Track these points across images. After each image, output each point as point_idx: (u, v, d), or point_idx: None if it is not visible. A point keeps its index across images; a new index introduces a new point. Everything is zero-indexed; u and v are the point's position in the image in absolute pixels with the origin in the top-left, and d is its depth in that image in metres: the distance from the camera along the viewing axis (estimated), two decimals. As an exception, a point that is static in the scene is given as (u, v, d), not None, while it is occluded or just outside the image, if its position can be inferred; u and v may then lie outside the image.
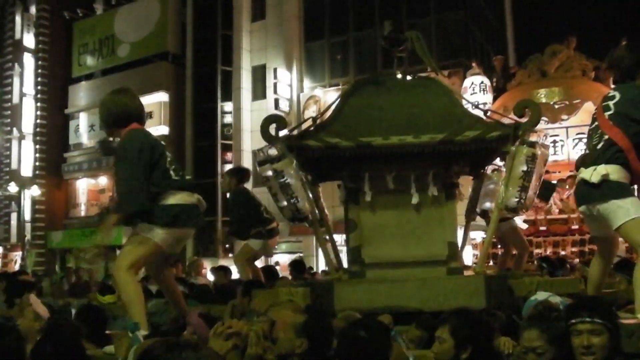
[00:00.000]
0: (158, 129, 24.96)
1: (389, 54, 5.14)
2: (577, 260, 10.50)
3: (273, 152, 4.35)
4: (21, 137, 28.63)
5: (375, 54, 22.75)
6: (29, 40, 29.28)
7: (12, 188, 26.31)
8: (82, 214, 28.49)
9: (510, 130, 4.31)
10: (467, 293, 4.10)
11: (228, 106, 24.99)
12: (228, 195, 7.35)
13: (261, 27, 25.05)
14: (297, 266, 8.24)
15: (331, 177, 5.08)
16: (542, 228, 11.81)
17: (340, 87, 23.17)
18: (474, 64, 14.60)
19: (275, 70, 23.65)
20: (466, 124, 4.42)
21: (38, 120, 28.63)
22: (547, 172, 12.69)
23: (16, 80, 29.39)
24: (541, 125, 12.22)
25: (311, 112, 23.00)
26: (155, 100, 25.99)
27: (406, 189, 4.49)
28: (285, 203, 4.40)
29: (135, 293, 3.89)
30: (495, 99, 13.44)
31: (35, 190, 27.11)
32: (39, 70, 28.86)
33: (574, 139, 12.01)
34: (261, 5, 25.29)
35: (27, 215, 27.67)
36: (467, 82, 13.96)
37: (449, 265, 4.49)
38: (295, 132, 4.79)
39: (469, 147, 4.31)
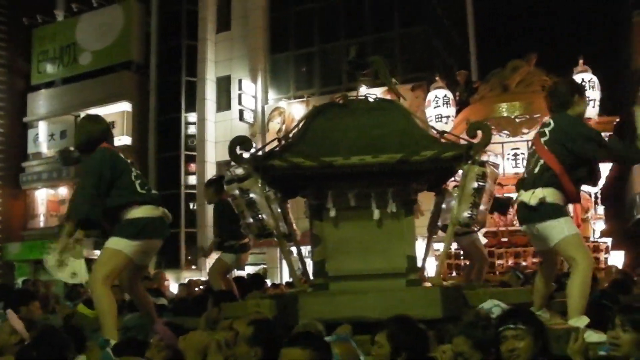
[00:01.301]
0: (121, 139, 24.65)
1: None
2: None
3: (240, 171, 4.62)
4: (-23, 146, 27.98)
5: (340, 69, 22.94)
6: (-14, 46, 28.66)
7: (-32, 198, 25.64)
8: (41, 225, 27.81)
9: (463, 150, 4.62)
10: (424, 304, 4.33)
11: (192, 117, 24.83)
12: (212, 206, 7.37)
13: (226, 38, 25.01)
14: (257, 281, 8.35)
15: (298, 194, 5.35)
16: (504, 239, 12.00)
17: (305, 99, 23.26)
18: (437, 78, 14.78)
19: (240, 81, 23.60)
20: (423, 144, 4.73)
21: (-4, 129, 27.99)
22: (500, 185, 12.96)
23: (-27, 88, 28.71)
24: (503, 138, 12.51)
25: (276, 123, 23.02)
26: (118, 110, 25.70)
27: (367, 205, 4.77)
28: (251, 220, 4.69)
29: (109, 305, 4.18)
30: (458, 112, 13.62)
31: (-8, 200, 26.45)
32: (-4, 78, 28.22)
33: (534, 153, 12.24)
34: (226, 16, 25.27)
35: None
36: (431, 95, 14.11)
37: (408, 277, 4.74)
38: (261, 152, 5.09)
39: (425, 166, 4.61)
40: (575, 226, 4.15)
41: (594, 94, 12.33)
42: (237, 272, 11.15)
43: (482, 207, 4.59)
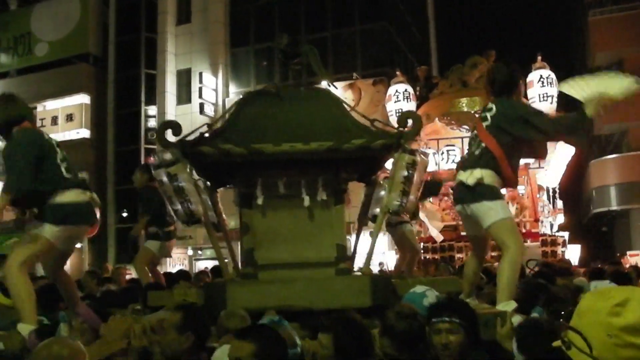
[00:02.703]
0: (79, 131, 24.24)
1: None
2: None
3: (168, 156, 4.51)
4: None
5: (301, 61, 22.92)
6: (-63, 36, 27.83)
7: None
8: (-5, 219, 27.21)
9: (393, 139, 4.61)
10: (353, 293, 4.32)
11: (152, 110, 24.54)
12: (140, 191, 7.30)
13: (186, 31, 24.77)
14: (183, 274, 8.17)
15: (228, 182, 5.27)
16: (463, 233, 12.17)
17: (266, 93, 23.18)
18: (398, 73, 14.90)
19: (200, 74, 23.42)
20: (354, 133, 4.70)
21: (-53, 121, 27.16)
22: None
23: None
24: (463, 133, 12.69)
25: (237, 117, 22.90)
26: (75, 102, 25.24)
27: (297, 194, 4.71)
28: (179, 206, 4.57)
29: (26, 291, 4.05)
30: (418, 106, 13.75)
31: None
32: (-53, 68, 27.46)
33: (493, 147, 12.45)
34: (186, 9, 25.03)
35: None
36: (392, 90, 14.22)
37: (337, 267, 4.71)
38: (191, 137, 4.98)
39: (355, 154, 4.58)
40: (509, 211, 4.17)
41: (551, 90, 12.60)
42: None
43: (411, 196, 4.58)
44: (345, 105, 5.17)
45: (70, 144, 21.29)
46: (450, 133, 13.03)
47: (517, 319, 3.40)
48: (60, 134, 23.23)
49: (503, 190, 4.43)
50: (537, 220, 12.53)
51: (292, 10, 23.32)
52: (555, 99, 12.76)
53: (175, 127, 4.71)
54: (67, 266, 5.02)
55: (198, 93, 23.26)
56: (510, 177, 4.17)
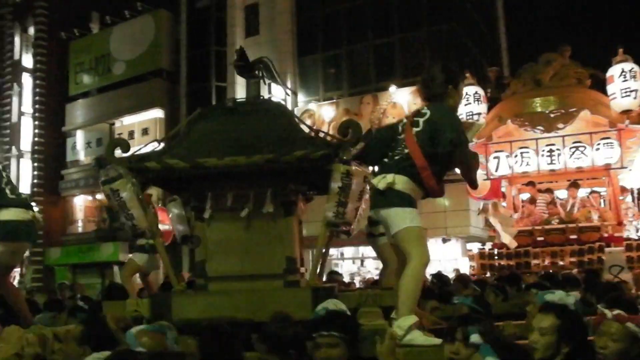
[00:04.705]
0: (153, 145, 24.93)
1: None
2: (575, 270, 10.43)
3: (112, 173, 4.74)
4: (19, 155, 28.69)
5: (368, 70, 22.84)
6: (27, 60, 29.40)
7: (10, 207, 26.22)
8: (80, 230, 28.42)
9: (332, 150, 4.62)
10: (295, 305, 4.35)
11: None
12: None
13: (255, 43, 25.08)
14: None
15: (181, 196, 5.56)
16: (539, 238, 11.75)
17: (334, 100, 23.24)
18: (467, 75, 14.55)
19: (269, 85, 23.62)
20: (298, 144, 4.76)
21: (36, 139, 28.67)
22: (532, 184, 12.52)
23: (15, 100, 29.47)
24: (537, 134, 12.26)
25: (307, 126, 22.99)
26: (150, 117, 26.05)
27: (246, 206, 4.83)
28: (124, 220, 4.80)
29: None
30: (489, 108, 13.38)
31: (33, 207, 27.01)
32: (37, 90, 28.94)
33: (570, 148, 11.92)
34: (254, 21, 25.37)
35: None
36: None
37: (286, 279, 4.80)
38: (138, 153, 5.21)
39: (295, 165, 4.63)
40: (419, 220, 3.91)
41: (635, 84, 11.83)
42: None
43: (350, 206, 4.53)
44: (295, 117, 5.27)
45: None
46: (524, 135, 12.59)
47: (417, 337, 3.40)
48: (136, 148, 23.93)
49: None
50: (620, 223, 11.91)
51: (358, 17, 23.25)
52: (639, 94, 12.02)
53: (124, 145, 4.99)
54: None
55: None
56: (434, 187, 3.96)
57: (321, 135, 5.28)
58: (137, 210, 4.72)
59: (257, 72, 5.45)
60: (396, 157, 4.00)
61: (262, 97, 5.67)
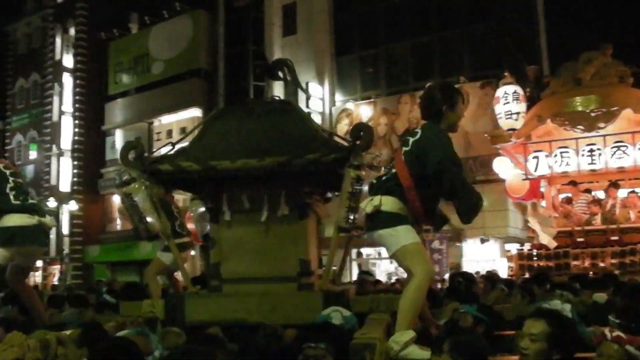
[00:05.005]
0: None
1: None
2: (617, 272, 10.23)
3: (125, 176, 4.81)
4: (60, 154, 29.38)
5: (406, 69, 22.73)
6: (68, 60, 30.09)
7: (51, 203, 26.88)
8: (118, 228, 28.89)
9: (344, 153, 4.58)
10: (307, 308, 4.34)
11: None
12: None
13: (292, 42, 25.18)
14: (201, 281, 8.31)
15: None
16: (580, 240, 11.56)
17: (372, 100, 23.20)
18: (506, 74, 14.39)
19: (307, 84, 23.71)
20: (312, 147, 4.73)
21: (76, 137, 29.32)
22: (574, 183, 12.22)
23: (56, 99, 30.22)
24: (577, 133, 12.07)
25: (344, 125, 23.04)
26: (188, 116, 26.35)
27: (261, 208, 4.81)
28: (137, 222, 4.84)
29: None
30: (529, 108, 13.22)
31: (73, 205, 27.68)
32: (77, 89, 29.62)
33: (612, 147, 11.69)
34: (292, 20, 25.44)
35: (66, 230, 28.23)
36: (500, 91, 13.72)
37: (299, 282, 4.76)
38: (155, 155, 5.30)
39: (307, 168, 4.61)
40: (416, 235, 3.78)
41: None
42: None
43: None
44: (310, 119, 5.25)
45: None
46: (564, 134, 12.39)
47: (413, 351, 3.31)
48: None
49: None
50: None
51: (396, 15, 23.15)
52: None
53: (138, 147, 5.01)
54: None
55: (305, 103, 23.56)
56: (417, 211, 3.81)
57: (335, 138, 5.27)
58: (151, 212, 4.78)
59: (279, 73, 5.42)
60: (384, 177, 3.94)
61: (277, 98, 5.70)
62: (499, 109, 13.57)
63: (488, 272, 10.58)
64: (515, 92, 13.33)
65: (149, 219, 4.74)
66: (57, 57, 30.38)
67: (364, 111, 22.94)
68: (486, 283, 7.95)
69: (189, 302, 4.65)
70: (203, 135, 5.13)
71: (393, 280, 18.35)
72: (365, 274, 9.00)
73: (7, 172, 4.93)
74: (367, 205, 3.86)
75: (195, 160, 4.75)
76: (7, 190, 4.80)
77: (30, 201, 4.95)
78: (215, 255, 5.02)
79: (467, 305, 4.50)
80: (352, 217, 4.47)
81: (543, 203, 12.95)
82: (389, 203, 3.78)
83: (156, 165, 4.86)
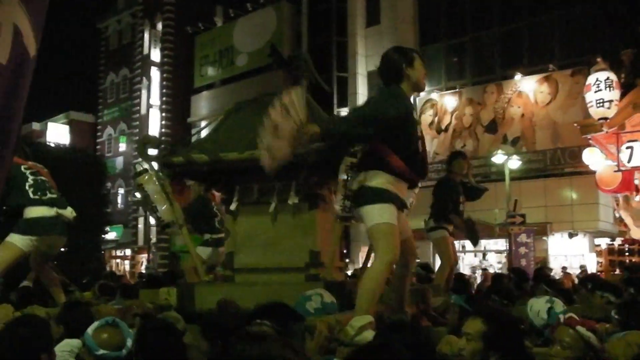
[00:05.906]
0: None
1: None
2: None
3: (138, 168, 4.98)
4: (148, 146, 30.34)
5: (493, 58, 21.94)
6: (156, 54, 31.10)
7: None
8: (204, 218, 29.53)
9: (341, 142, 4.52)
10: None
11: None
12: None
13: (376, 32, 24.87)
14: (168, 276, 8.19)
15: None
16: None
17: (457, 90, 22.59)
18: (598, 60, 13.55)
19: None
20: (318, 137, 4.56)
21: (163, 130, 30.23)
22: None
23: (144, 93, 31.30)
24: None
25: (428, 116, 22.61)
26: (272, 108, 26.54)
27: (271, 199, 4.89)
28: (149, 211, 5.06)
29: None
30: (623, 95, 12.40)
31: (160, 196, 28.47)
32: (164, 83, 30.57)
33: None
34: (375, 10, 25.14)
35: (153, 220, 29.16)
36: (591, 78, 12.93)
37: (308, 272, 4.79)
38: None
39: (311, 158, 4.50)
40: (392, 217, 3.57)
41: None
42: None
43: None
44: (318, 108, 5.24)
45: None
46: (662, 123, 11.54)
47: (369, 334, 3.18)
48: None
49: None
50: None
51: (483, 2, 22.36)
52: None
53: (152, 141, 5.25)
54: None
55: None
56: (402, 169, 3.65)
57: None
58: (162, 203, 4.95)
59: (295, 67, 5.35)
60: (362, 153, 3.90)
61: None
62: (590, 97, 12.81)
63: (538, 269, 9.74)
64: (608, 78, 12.55)
65: (159, 209, 4.91)
66: (145, 52, 31.46)
67: (449, 101, 22.38)
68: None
69: (199, 291, 4.76)
70: (218, 128, 5.30)
71: (476, 274, 17.78)
72: (424, 268, 8.32)
73: (28, 171, 5.30)
74: (354, 182, 3.84)
75: (206, 151, 4.90)
76: (26, 188, 5.17)
77: (49, 196, 5.29)
78: (229, 245, 5.16)
79: (455, 296, 4.44)
80: (349, 205, 4.42)
81: (637, 197, 12.16)
82: (373, 177, 3.66)
83: (169, 157, 5.02)
